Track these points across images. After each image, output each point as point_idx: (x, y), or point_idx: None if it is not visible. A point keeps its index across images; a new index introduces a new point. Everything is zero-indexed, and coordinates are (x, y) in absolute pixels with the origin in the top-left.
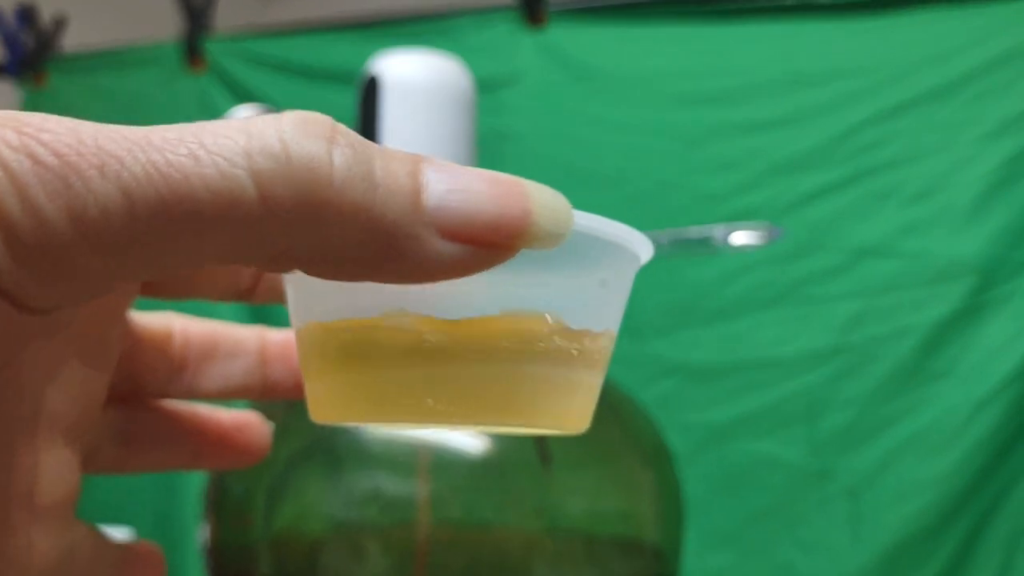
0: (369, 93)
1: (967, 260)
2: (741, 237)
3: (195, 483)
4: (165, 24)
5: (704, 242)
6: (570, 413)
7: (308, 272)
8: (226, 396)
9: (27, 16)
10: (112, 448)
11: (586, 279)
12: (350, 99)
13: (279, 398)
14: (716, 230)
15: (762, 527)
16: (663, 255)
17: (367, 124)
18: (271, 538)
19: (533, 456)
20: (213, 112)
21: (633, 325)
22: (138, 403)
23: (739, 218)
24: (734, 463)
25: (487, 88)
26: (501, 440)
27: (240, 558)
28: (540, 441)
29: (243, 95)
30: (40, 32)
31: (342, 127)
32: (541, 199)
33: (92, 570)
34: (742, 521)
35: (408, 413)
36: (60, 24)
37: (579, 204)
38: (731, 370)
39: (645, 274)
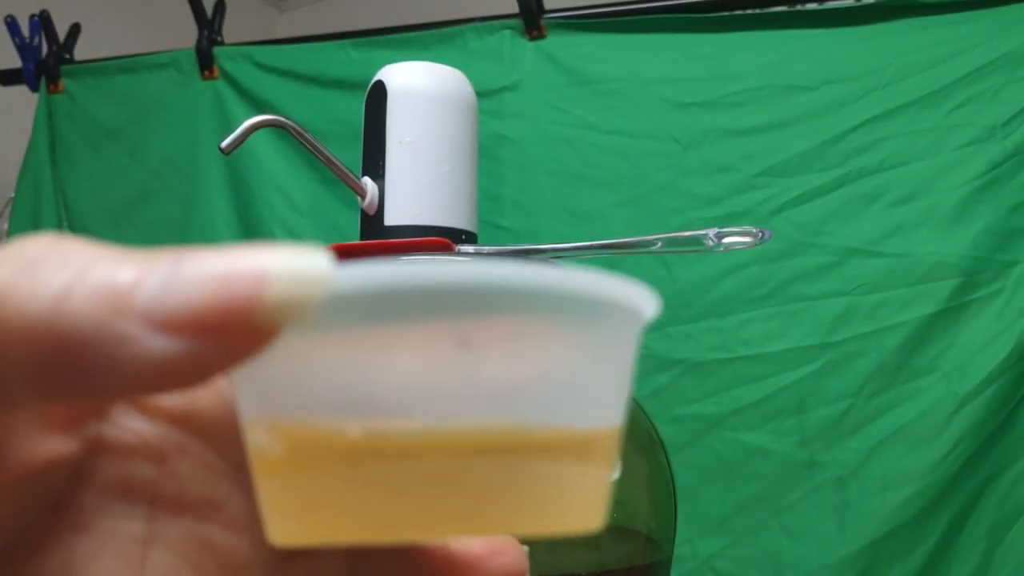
0: (374, 101)
1: (952, 261)
2: (732, 238)
3: None
4: (177, 33)
5: (696, 243)
6: (573, 512)
7: (38, 399)
8: None
9: (42, 23)
10: None
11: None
12: (358, 106)
13: None
14: (708, 231)
15: (751, 515)
16: (658, 254)
17: (372, 130)
18: None
19: None
20: (226, 118)
21: None
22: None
23: (732, 219)
24: (725, 453)
25: (489, 94)
26: None
27: None
28: None
29: (255, 102)
30: (55, 39)
31: (73, 247)
32: (281, 261)
33: None
34: (732, 509)
35: (368, 530)
36: (75, 31)
37: (577, 206)
38: (723, 365)
39: (638, 272)
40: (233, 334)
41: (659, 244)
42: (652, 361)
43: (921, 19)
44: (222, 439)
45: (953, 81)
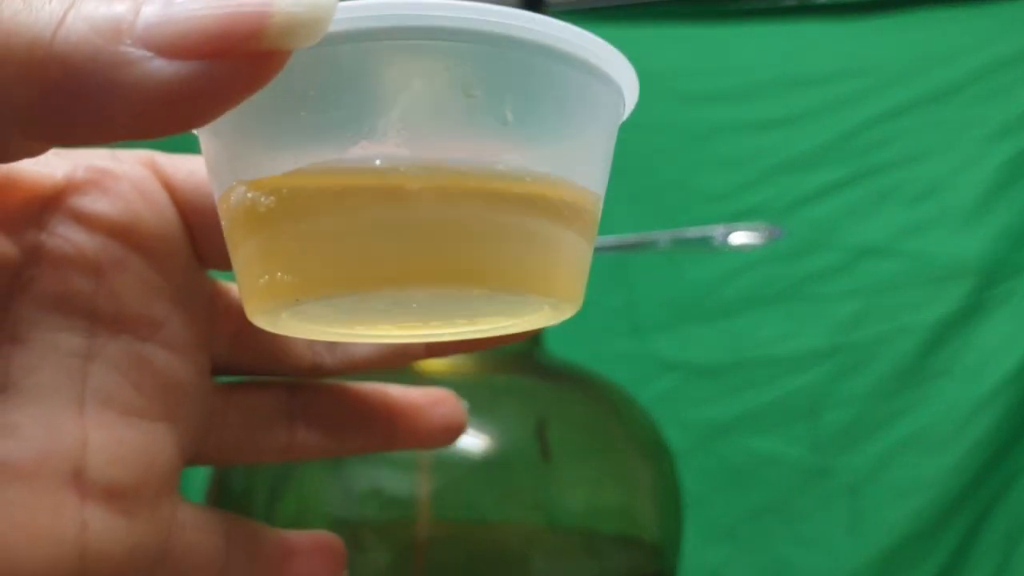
0: None
1: (968, 260)
2: (741, 236)
3: (196, 479)
4: None
5: (705, 241)
6: (557, 278)
7: (30, 135)
8: (380, 365)
9: None
10: (281, 432)
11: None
12: None
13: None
14: (716, 230)
15: (761, 523)
16: (665, 253)
17: None
18: None
19: (533, 452)
20: None
21: (633, 322)
22: (310, 386)
23: (741, 217)
24: (734, 459)
25: None
26: (502, 436)
27: None
28: (540, 437)
29: None
30: None
31: None
32: None
33: (209, 560)
34: (741, 517)
35: (371, 276)
36: None
37: None
38: (732, 368)
39: (645, 271)
40: (241, 56)
41: (666, 242)
42: (658, 363)
43: (935, 12)
44: (163, 257)
45: (967, 75)
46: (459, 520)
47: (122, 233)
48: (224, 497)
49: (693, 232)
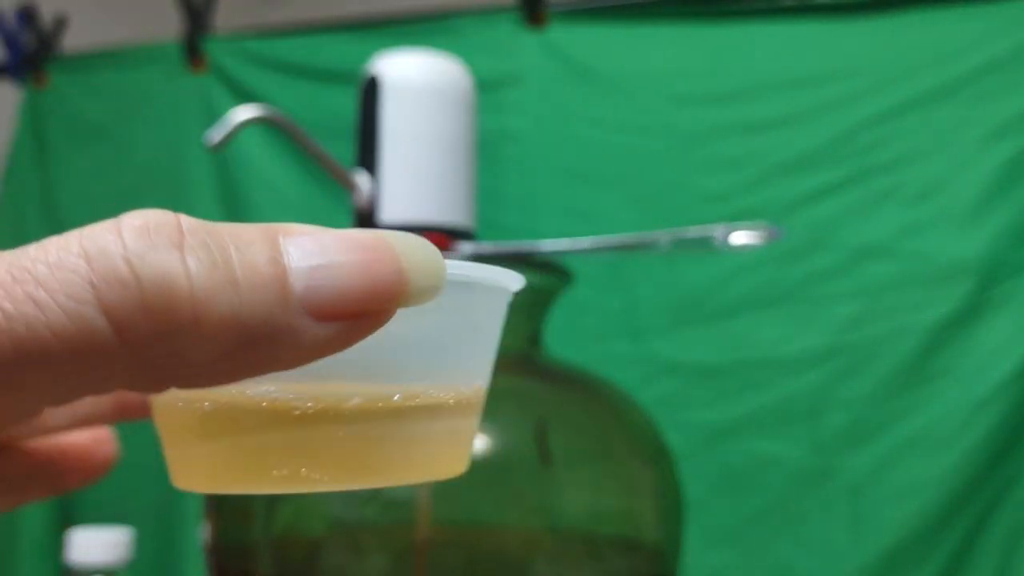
0: (369, 94)
1: (967, 260)
2: (741, 237)
3: None
4: (165, 24)
5: (704, 242)
6: (450, 461)
7: (184, 386)
8: (79, 426)
9: (27, 16)
10: None
11: (455, 326)
12: (350, 99)
13: (135, 418)
14: (716, 230)
15: (762, 526)
16: (664, 254)
17: (367, 125)
18: (272, 537)
19: (533, 456)
20: (214, 112)
21: (633, 325)
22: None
23: (740, 218)
24: (734, 462)
25: (488, 88)
26: (501, 439)
27: (241, 557)
28: (540, 440)
29: (244, 95)
30: (40, 32)
31: (188, 222)
32: (412, 256)
33: None
34: (742, 520)
35: (273, 481)
36: (60, 24)
37: (580, 204)
38: (732, 369)
39: (646, 273)
40: (375, 317)
41: (666, 243)
42: (658, 366)
43: (934, 12)
44: None
45: (966, 75)
46: (459, 523)
47: None
48: (224, 501)
49: (693, 232)
